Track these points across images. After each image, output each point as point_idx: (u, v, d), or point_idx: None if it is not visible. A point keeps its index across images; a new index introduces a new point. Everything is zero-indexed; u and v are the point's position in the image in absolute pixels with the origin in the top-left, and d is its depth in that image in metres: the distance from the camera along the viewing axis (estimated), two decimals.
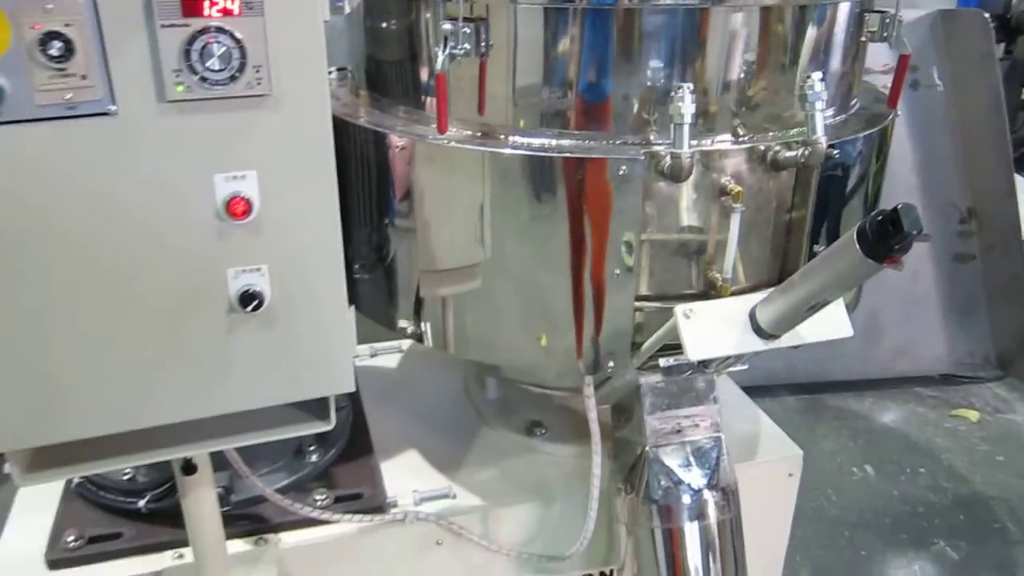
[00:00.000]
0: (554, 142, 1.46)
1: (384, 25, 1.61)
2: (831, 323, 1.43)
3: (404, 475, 1.91)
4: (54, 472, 1.29)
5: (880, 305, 3.46)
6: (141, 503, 1.73)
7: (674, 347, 1.52)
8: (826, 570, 2.59)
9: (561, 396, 2.11)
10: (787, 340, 1.41)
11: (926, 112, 3.21)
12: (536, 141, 1.47)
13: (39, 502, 1.83)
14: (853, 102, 1.73)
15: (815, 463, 3.07)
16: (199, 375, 1.23)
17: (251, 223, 1.15)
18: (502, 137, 1.48)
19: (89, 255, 1.12)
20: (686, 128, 1.35)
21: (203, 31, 1.04)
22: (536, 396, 2.11)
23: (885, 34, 1.61)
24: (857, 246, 1.12)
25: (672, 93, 1.36)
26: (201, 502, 1.49)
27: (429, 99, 1.58)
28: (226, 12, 1.04)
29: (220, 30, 1.04)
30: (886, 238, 1.09)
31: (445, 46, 1.38)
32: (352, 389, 1.32)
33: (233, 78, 1.07)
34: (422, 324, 1.67)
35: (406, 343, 2.48)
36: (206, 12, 1.03)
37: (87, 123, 1.05)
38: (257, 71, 1.08)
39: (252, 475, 1.64)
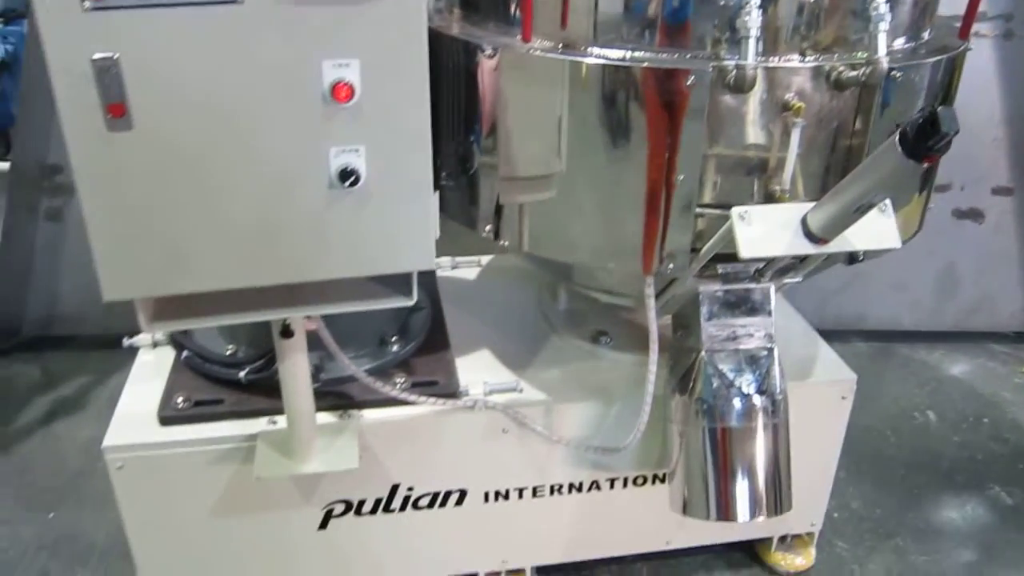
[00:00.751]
0: (629, 53, 1.57)
1: None
2: (880, 232, 1.52)
3: (476, 370, 2.08)
4: (173, 323, 1.48)
5: (958, 257, 3.45)
6: (241, 374, 1.94)
7: (730, 257, 1.64)
8: (877, 502, 2.67)
9: (626, 308, 2.24)
10: (835, 245, 1.50)
11: (1019, 63, 3.17)
12: (613, 52, 1.58)
13: (150, 374, 2.07)
14: (925, 33, 1.79)
15: (878, 405, 3.13)
16: (301, 242, 1.40)
17: (352, 107, 1.31)
18: (581, 48, 1.60)
19: (213, 128, 1.29)
20: (751, 41, 1.45)
21: None
22: (602, 308, 2.25)
23: None
24: (899, 147, 1.21)
25: (741, 8, 1.46)
26: (296, 366, 1.68)
27: (516, 13, 1.70)
28: None
29: None
30: (925, 139, 1.18)
31: None
32: (432, 267, 1.48)
33: None
34: (501, 226, 1.81)
35: (485, 258, 2.64)
36: None
37: (218, 10, 1.22)
38: None
39: (340, 354, 1.83)
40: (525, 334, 2.26)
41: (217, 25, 1.23)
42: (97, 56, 1.21)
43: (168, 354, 2.13)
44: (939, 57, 1.67)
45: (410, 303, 1.54)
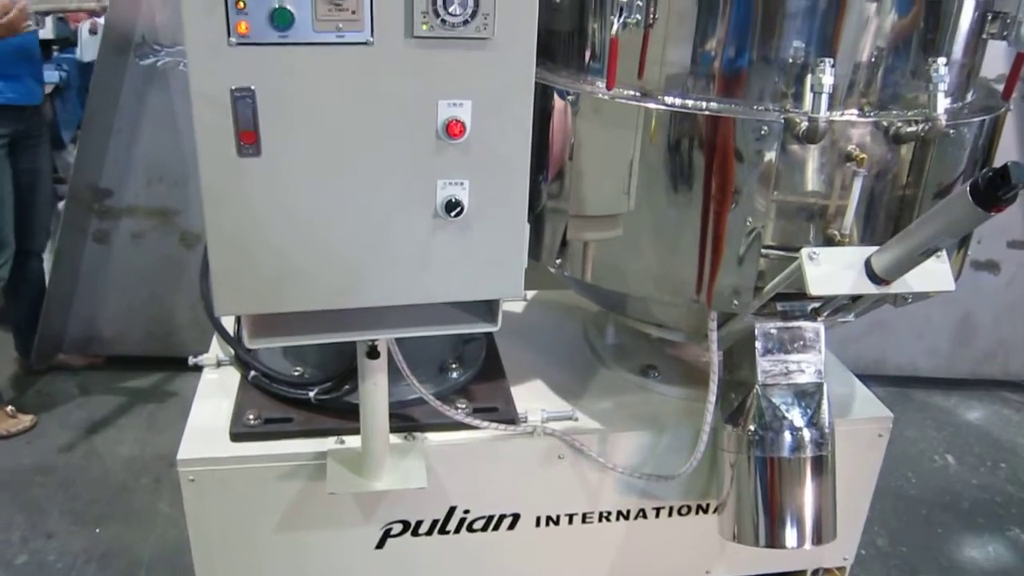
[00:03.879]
0: (703, 103, 1.69)
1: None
2: (936, 276, 1.62)
3: (532, 398, 2.17)
4: (271, 339, 1.57)
5: (974, 307, 3.57)
6: (311, 394, 2.02)
7: (790, 296, 1.75)
8: (902, 541, 2.75)
9: (672, 344, 2.34)
10: (896, 287, 1.61)
11: None
12: (688, 102, 1.70)
13: (215, 391, 2.15)
14: (969, 93, 1.92)
15: (897, 447, 3.22)
16: (403, 267, 1.50)
17: (461, 143, 1.42)
18: (657, 97, 1.72)
19: (335, 158, 1.39)
20: (824, 97, 1.57)
21: None
22: (650, 343, 2.35)
23: (1005, 33, 1.79)
24: (969, 196, 1.33)
25: (815, 66, 1.58)
26: (377, 387, 1.77)
27: (592, 64, 1.82)
28: None
29: None
30: (995, 189, 1.29)
31: (620, 15, 1.62)
32: (522, 296, 1.58)
33: (466, 22, 1.33)
34: (566, 258, 1.92)
35: (531, 293, 2.74)
36: None
37: (350, 50, 1.33)
38: (485, 18, 1.34)
39: (412, 378, 1.91)
40: (575, 366, 2.36)
41: (348, 63, 1.34)
42: (236, 87, 1.31)
43: (231, 374, 2.21)
44: (987, 116, 1.80)
45: (495, 328, 1.63)
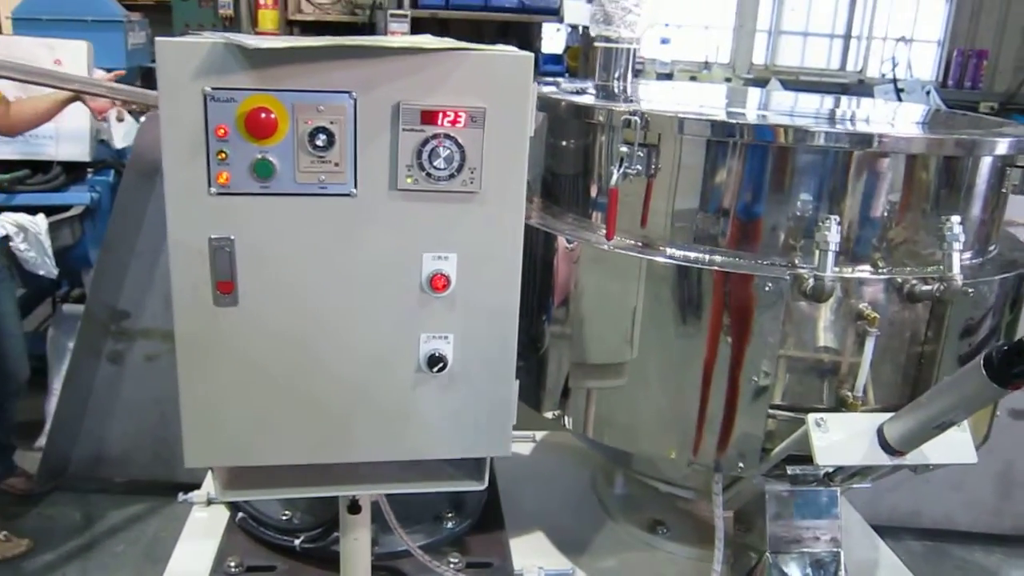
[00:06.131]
0: (707, 256, 1.63)
1: (563, 144, 1.85)
2: (956, 448, 1.51)
3: (531, 552, 2.04)
4: (245, 492, 1.50)
5: (1016, 457, 3.38)
6: (296, 542, 1.93)
7: (801, 459, 1.64)
8: None
9: (684, 499, 2.21)
10: (912, 459, 1.50)
11: None
12: (691, 254, 1.64)
13: (202, 532, 2.06)
14: (991, 247, 1.84)
15: None
16: (384, 423, 1.43)
17: (446, 297, 1.36)
18: (660, 248, 1.67)
19: (314, 311, 1.35)
20: (831, 255, 1.50)
21: (434, 136, 1.28)
22: (660, 496, 2.22)
23: None
24: (983, 371, 1.23)
25: (820, 223, 1.52)
26: (358, 541, 1.67)
27: (595, 211, 1.79)
28: (455, 123, 1.28)
29: (448, 137, 1.28)
30: (1011, 365, 1.20)
31: (620, 165, 1.59)
32: (509, 454, 1.49)
33: (451, 176, 1.30)
34: (567, 409, 1.83)
35: (540, 434, 2.64)
36: (439, 122, 1.28)
37: (332, 201, 1.30)
38: (472, 172, 1.31)
39: (400, 530, 1.81)
40: (580, 517, 2.24)
41: (329, 215, 1.31)
42: (214, 236, 1.29)
43: (221, 513, 2.13)
44: (1009, 274, 1.71)
45: (481, 487, 1.54)
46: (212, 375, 1.36)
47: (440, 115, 1.27)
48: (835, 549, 1.79)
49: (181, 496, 2.18)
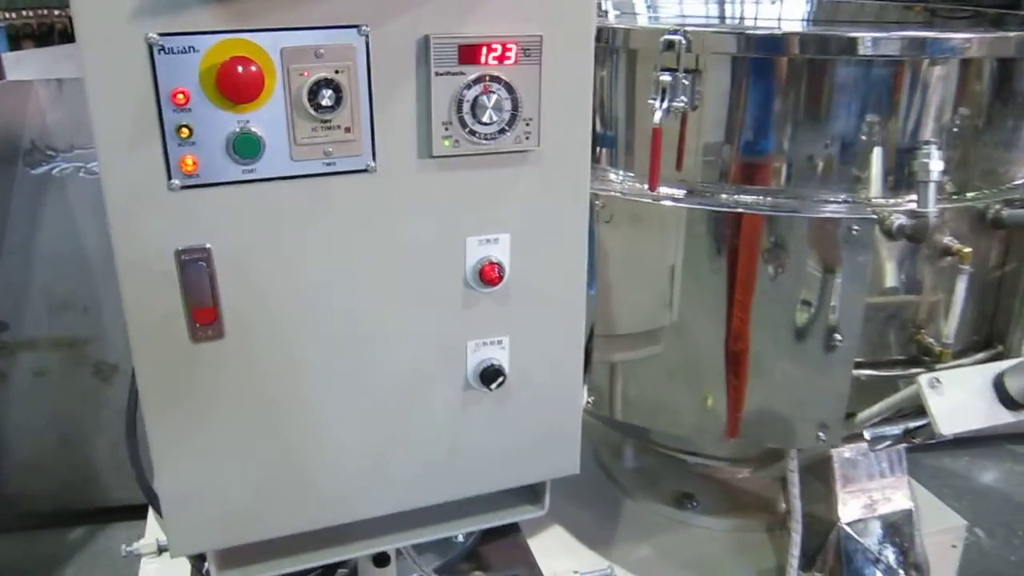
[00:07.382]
0: (762, 198, 1.36)
1: None
2: None
3: (556, 552, 1.77)
4: (254, 568, 1.15)
5: None
6: None
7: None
8: None
9: (708, 466, 1.98)
10: None
11: None
12: (745, 198, 1.36)
13: None
14: None
15: None
16: (427, 459, 1.10)
17: (499, 291, 1.04)
18: (708, 195, 1.38)
19: (327, 333, 1.00)
20: (932, 186, 1.25)
21: (478, 80, 0.93)
22: (678, 464, 1.98)
23: None
24: None
25: (918, 150, 1.26)
26: None
27: (622, 156, 1.48)
28: (502, 59, 0.94)
29: (495, 79, 0.94)
30: None
31: (663, 98, 1.28)
32: (577, 471, 1.20)
33: (502, 131, 0.97)
34: (591, 384, 1.56)
35: None
36: (483, 60, 0.93)
37: (344, 181, 0.94)
38: (527, 124, 0.97)
39: (417, 561, 1.50)
40: (593, 499, 1.97)
41: (342, 200, 0.95)
42: (183, 247, 0.91)
43: (179, 562, 1.76)
44: None
45: (541, 513, 1.24)
46: (195, 434, 1.00)
47: (484, 49, 0.93)
48: (907, 507, 1.60)
49: (124, 548, 1.80)
